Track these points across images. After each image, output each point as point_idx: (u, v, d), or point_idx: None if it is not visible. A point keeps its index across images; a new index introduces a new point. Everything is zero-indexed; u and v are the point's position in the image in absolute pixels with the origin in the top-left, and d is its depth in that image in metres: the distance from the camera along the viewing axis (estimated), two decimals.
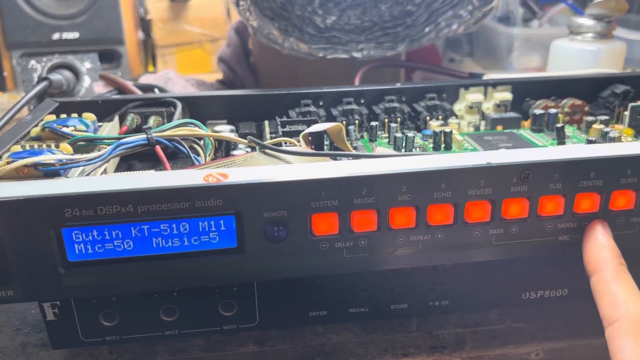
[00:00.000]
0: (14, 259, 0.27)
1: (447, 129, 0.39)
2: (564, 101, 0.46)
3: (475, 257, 0.32)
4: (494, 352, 0.35)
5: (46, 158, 0.29)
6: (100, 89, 0.60)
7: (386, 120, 0.44)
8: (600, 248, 0.30)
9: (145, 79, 0.69)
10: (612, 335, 0.26)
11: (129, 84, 0.52)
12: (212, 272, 0.30)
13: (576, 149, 0.31)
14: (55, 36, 0.88)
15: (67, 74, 0.65)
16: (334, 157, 0.34)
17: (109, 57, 0.92)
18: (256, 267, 0.30)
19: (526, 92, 0.47)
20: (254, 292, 0.35)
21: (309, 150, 0.36)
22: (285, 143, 0.37)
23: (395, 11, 0.59)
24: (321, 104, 0.45)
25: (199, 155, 0.37)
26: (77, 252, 0.28)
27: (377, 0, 0.59)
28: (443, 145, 0.39)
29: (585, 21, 0.65)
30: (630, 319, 0.26)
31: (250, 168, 0.30)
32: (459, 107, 0.47)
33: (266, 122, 0.43)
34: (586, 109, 0.45)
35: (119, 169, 0.39)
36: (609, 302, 0.27)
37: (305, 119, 0.42)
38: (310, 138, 0.37)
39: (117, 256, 0.29)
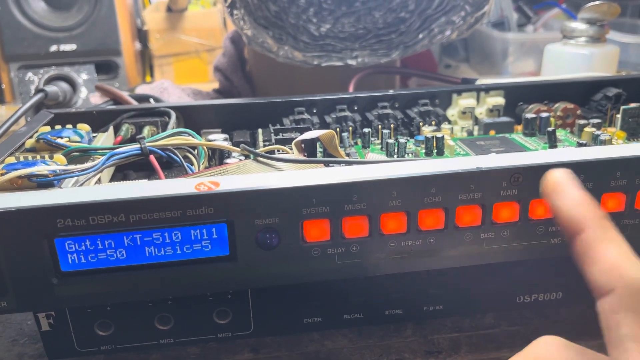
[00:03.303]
0: (8, 269, 0.28)
1: (438, 135, 0.39)
2: (557, 105, 0.46)
3: (467, 261, 0.32)
4: (489, 355, 0.35)
5: (39, 169, 0.30)
6: (97, 100, 0.60)
7: (379, 126, 0.44)
8: (575, 204, 0.25)
9: (141, 89, 0.70)
10: (606, 309, 0.23)
11: (124, 95, 0.53)
12: (205, 280, 0.30)
13: (565, 152, 0.31)
14: (53, 48, 0.89)
15: (64, 85, 0.66)
16: (326, 164, 0.34)
17: (107, 68, 0.93)
18: (249, 275, 0.30)
19: (519, 96, 0.48)
20: (248, 299, 0.35)
21: (300, 157, 0.36)
22: (278, 151, 0.37)
23: (389, 18, 0.60)
24: (315, 111, 0.46)
25: (192, 164, 0.37)
26: (70, 262, 0.28)
27: (371, 7, 0.60)
28: (435, 151, 0.39)
29: (578, 25, 0.65)
30: (627, 289, 0.22)
31: (241, 176, 0.30)
32: (452, 112, 0.47)
33: (260, 130, 0.44)
34: (578, 112, 0.45)
35: (114, 179, 0.40)
36: (599, 269, 0.23)
37: (298, 126, 0.42)
38: (303, 145, 0.37)
39: (110, 265, 0.29)
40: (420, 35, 0.59)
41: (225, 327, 0.35)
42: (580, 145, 0.39)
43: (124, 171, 0.40)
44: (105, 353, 0.35)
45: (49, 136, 0.35)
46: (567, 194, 0.25)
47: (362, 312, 0.36)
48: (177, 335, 0.35)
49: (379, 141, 0.43)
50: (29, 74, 0.76)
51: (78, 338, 0.34)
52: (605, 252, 0.23)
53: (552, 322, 0.38)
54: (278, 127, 0.42)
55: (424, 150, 0.40)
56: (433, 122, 0.45)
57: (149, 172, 0.40)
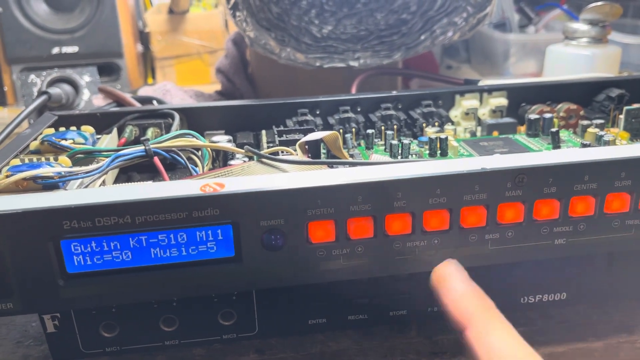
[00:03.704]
0: (14, 271, 0.28)
1: (442, 136, 0.39)
2: (559, 106, 0.46)
3: (471, 262, 0.32)
4: None
5: (45, 171, 0.30)
6: (100, 102, 0.60)
7: (382, 127, 0.44)
8: (460, 298, 0.26)
9: (144, 91, 0.70)
10: None
11: (128, 97, 0.53)
12: (211, 281, 0.30)
13: (570, 153, 0.31)
14: (55, 50, 0.89)
15: (67, 87, 0.66)
16: (330, 165, 0.34)
17: (109, 70, 0.93)
18: (254, 276, 0.30)
19: (522, 97, 0.48)
20: (253, 301, 0.35)
21: (305, 158, 0.36)
22: (282, 152, 0.37)
23: (391, 20, 0.60)
24: (318, 112, 0.46)
25: (196, 165, 0.37)
26: (75, 263, 0.28)
27: (372, 9, 0.60)
28: (439, 152, 0.39)
29: (580, 26, 0.65)
30: None
31: (246, 177, 0.30)
32: (455, 113, 0.47)
33: (263, 132, 0.44)
34: (581, 113, 0.45)
35: (118, 180, 0.40)
36: None
37: (302, 127, 0.42)
38: (306, 147, 0.37)
39: (115, 267, 0.29)
40: (422, 37, 0.59)
41: (230, 328, 0.35)
42: (584, 145, 0.39)
43: (127, 173, 0.40)
44: (111, 355, 0.35)
45: (54, 138, 0.35)
46: (450, 289, 0.26)
47: (367, 313, 0.36)
48: (182, 337, 0.35)
49: (383, 142, 0.43)
50: (32, 76, 0.76)
51: (83, 340, 0.34)
52: (494, 343, 0.24)
53: (556, 323, 0.38)
54: (281, 128, 0.42)
55: (427, 151, 0.40)
56: (436, 123, 0.45)
57: (152, 174, 0.40)
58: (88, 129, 0.39)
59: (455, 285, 0.26)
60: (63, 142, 0.35)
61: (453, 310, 0.25)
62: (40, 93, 0.57)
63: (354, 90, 0.60)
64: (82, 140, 0.36)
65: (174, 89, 0.67)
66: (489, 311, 0.25)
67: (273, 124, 0.44)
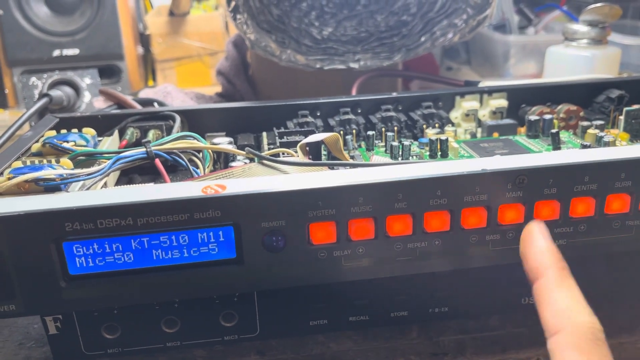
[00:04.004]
0: (16, 273, 0.28)
1: (443, 137, 0.39)
2: (559, 107, 0.46)
3: (472, 263, 0.32)
4: (495, 357, 0.35)
5: (47, 173, 0.30)
6: (100, 104, 0.61)
7: (383, 129, 0.44)
8: (540, 253, 0.28)
9: (145, 94, 0.70)
10: (554, 348, 0.25)
11: (129, 99, 0.53)
12: (212, 282, 0.30)
13: (570, 154, 0.32)
14: (56, 53, 0.89)
15: (68, 90, 0.66)
16: (331, 167, 0.34)
17: (109, 72, 0.93)
18: (255, 277, 0.30)
19: (522, 98, 0.48)
20: (254, 302, 0.35)
21: (306, 160, 0.36)
22: (283, 154, 0.37)
23: (391, 21, 0.60)
24: (318, 114, 0.46)
25: (197, 167, 0.37)
26: (78, 265, 0.28)
27: (373, 11, 0.60)
28: (439, 153, 0.39)
29: (580, 27, 0.65)
30: (573, 330, 0.25)
31: (247, 179, 0.30)
32: (455, 114, 0.47)
33: (264, 134, 0.44)
34: (581, 114, 0.46)
35: (119, 182, 0.40)
36: (551, 311, 0.26)
37: (302, 129, 0.42)
38: (307, 148, 0.38)
39: (117, 269, 0.29)
40: (423, 38, 0.59)
41: (231, 329, 0.35)
42: (584, 146, 0.39)
43: (129, 175, 0.40)
44: (112, 356, 0.35)
45: (55, 140, 0.35)
46: (534, 243, 0.29)
47: (368, 314, 0.36)
48: (183, 338, 0.35)
49: (383, 144, 0.43)
50: (33, 79, 0.76)
51: (85, 341, 0.34)
52: (558, 297, 0.26)
53: None
54: (282, 130, 0.42)
55: (428, 153, 0.40)
56: (436, 125, 0.45)
57: (153, 176, 0.40)
58: (89, 131, 0.39)
59: (539, 241, 0.29)
60: (64, 145, 0.35)
61: (531, 261, 0.28)
62: (42, 95, 0.58)
63: (354, 92, 0.60)
64: (83, 143, 0.37)
65: (174, 91, 0.67)
66: (562, 271, 0.27)
67: (274, 126, 0.44)
